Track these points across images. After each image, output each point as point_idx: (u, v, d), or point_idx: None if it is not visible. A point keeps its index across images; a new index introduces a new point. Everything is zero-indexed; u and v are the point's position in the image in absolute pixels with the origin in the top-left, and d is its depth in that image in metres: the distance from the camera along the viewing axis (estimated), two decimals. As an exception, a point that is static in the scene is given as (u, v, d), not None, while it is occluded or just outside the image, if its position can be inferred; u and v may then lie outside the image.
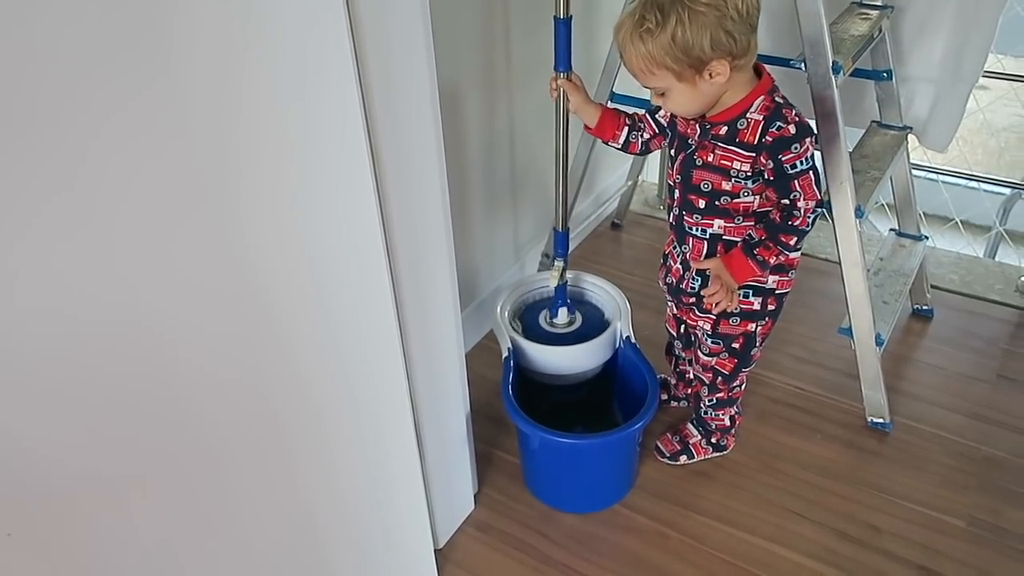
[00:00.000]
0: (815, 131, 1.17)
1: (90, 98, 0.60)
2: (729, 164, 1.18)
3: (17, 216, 0.58)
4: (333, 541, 1.08)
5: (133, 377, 0.71)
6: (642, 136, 1.34)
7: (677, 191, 1.27)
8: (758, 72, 1.17)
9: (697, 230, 1.27)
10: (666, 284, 1.42)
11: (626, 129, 1.33)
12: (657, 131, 1.33)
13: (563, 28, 1.24)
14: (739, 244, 1.24)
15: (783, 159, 1.14)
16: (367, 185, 0.90)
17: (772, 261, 1.22)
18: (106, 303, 0.67)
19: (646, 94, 1.70)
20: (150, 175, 0.66)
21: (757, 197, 1.20)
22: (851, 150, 1.46)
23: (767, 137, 1.14)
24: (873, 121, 1.73)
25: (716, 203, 1.22)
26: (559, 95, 1.30)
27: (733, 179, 1.18)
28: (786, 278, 1.31)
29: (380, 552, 1.20)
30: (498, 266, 1.92)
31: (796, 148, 1.13)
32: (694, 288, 1.33)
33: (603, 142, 1.36)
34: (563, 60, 1.27)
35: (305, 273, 0.87)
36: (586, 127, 1.35)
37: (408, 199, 0.99)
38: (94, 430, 0.70)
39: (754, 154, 1.15)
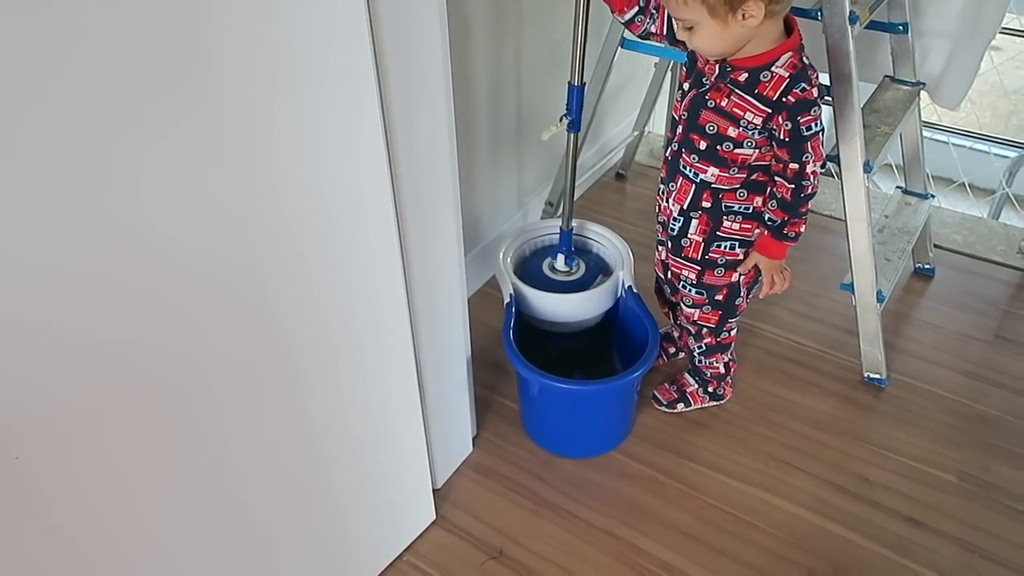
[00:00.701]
0: (822, 93, 1.17)
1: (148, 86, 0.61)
2: (741, 114, 1.16)
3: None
4: (337, 475, 1.10)
5: (143, 307, 0.72)
6: (648, 26, 1.27)
7: (680, 127, 1.26)
8: (788, 29, 1.14)
9: (690, 171, 1.26)
10: (659, 223, 1.41)
11: (636, 8, 1.25)
12: (666, 33, 1.26)
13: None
14: (764, 232, 1.26)
15: (802, 121, 1.13)
16: (375, 127, 0.89)
17: (802, 231, 1.26)
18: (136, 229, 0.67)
19: (653, 42, 1.65)
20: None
21: (757, 150, 1.20)
22: (863, 104, 1.44)
23: (789, 97, 1.12)
24: (886, 76, 1.70)
25: (717, 148, 1.21)
26: None
27: (741, 128, 1.17)
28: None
29: (381, 488, 1.21)
30: (501, 213, 1.91)
31: (815, 111, 1.13)
32: (674, 229, 1.33)
33: (611, 11, 1.29)
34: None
35: (313, 212, 0.86)
36: None
37: (415, 142, 0.98)
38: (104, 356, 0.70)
39: (770, 110, 1.14)
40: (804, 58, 1.14)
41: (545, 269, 1.53)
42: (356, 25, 0.81)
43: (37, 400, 0.67)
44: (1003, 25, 1.66)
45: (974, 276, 1.94)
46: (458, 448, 1.46)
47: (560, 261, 1.52)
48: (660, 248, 1.43)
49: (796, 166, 1.16)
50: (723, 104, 1.17)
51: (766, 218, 1.25)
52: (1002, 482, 1.44)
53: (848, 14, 1.28)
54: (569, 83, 1.37)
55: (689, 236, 1.32)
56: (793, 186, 1.18)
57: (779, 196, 1.21)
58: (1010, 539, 1.35)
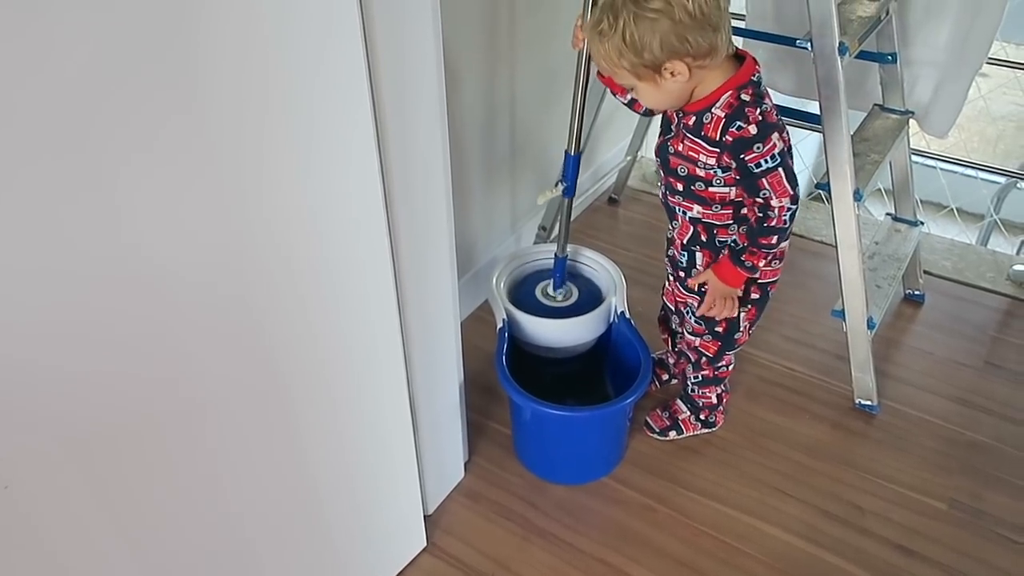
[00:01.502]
0: (781, 127, 1.16)
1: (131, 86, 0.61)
2: (696, 156, 1.19)
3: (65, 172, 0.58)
4: (328, 501, 1.09)
5: (131, 336, 0.72)
6: None
7: (661, 171, 1.29)
8: (743, 59, 1.15)
9: (679, 210, 1.29)
10: (668, 256, 1.42)
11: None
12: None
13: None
14: (726, 252, 1.26)
15: (746, 159, 1.13)
16: (369, 151, 0.89)
17: (760, 264, 1.24)
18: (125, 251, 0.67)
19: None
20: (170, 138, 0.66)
21: (732, 187, 1.21)
22: (852, 133, 1.46)
23: (727, 136, 1.13)
24: (875, 104, 1.72)
25: (692, 188, 1.23)
26: (583, 45, 1.27)
27: (703, 169, 1.19)
28: (770, 267, 1.31)
29: (372, 514, 1.21)
30: (495, 237, 1.92)
31: (759, 147, 1.12)
32: (681, 262, 1.35)
33: (612, 94, 1.34)
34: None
35: (306, 236, 0.86)
36: (598, 74, 1.30)
37: (409, 166, 0.99)
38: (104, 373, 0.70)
39: (718, 150, 1.16)
40: (744, 95, 1.12)
41: (538, 294, 1.54)
42: (351, 47, 0.81)
43: (26, 426, 0.67)
44: (990, 54, 1.68)
45: (963, 302, 1.95)
46: (450, 473, 1.45)
47: (553, 287, 1.53)
48: (670, 278, 1.44)
49: (760, 200, 1.16)
50: (680, 148, 1.20)
51: (731, 240, 1.26)
52: (993, 510, 1.44)
53: (837, 44, 1.30)
54: (565, 151, 1.41)
55: (694, 270, 1.34)
56: (760, 215, 1.18)
57: (748, 220, 1.22)
58: (1000, 567, 1.35)
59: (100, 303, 0.68)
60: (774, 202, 1.15)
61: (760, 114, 1.12)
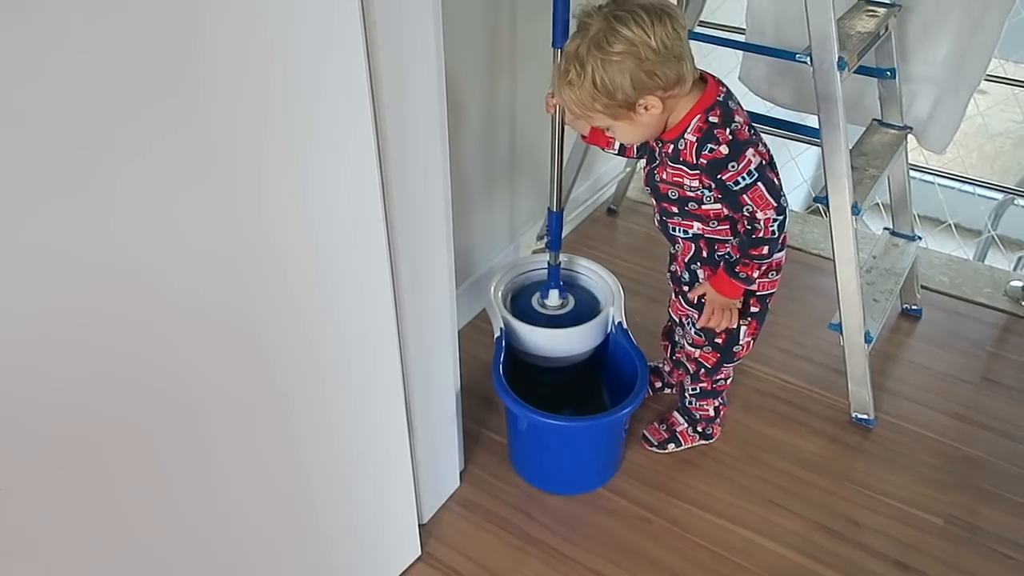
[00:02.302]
0: (755, 141, 1.16)
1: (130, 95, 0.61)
2: (681, 180, 1.20)
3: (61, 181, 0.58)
4: (323, 509, 1.09)
5: (126, 343, 0.71)
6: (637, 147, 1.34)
7: (653, 199, 1.30)
8: (707, 81, 1.17)
9: (680, 231, 1.30)
10: (670, 272, 1.43)
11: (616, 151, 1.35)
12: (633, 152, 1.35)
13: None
14: (722, 265, 1.27)
15: (723, 178, 1.15)
16: (369, 159, 0.90)
17: (755, 275, 1.24)
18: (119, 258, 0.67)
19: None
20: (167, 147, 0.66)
21: (722, 205, 1.22)
22: (851, 147, 1.47)
23: (701, 159, 1.15)
24: (874, 119, 1.73)
25: (687, 208, 1.24)
26: (556, 111, 1.32)
27: (690, 190, 1.21)
28: (767, 279, 1.32)
29: (367, 523, 1.20)
30: (493, 246, 1.92)
31: (733, 166, 1.14)
32: (684, 279, 1.36)
33: (602, 149, 1.37)
34: (560, 36, 1.25)
35: (304, 244, 0.86)
36: (582, 136, 1.37)
37: (410, 175, 0.99)
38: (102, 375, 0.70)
39: (698, 172, 1.18)
40: (711, 117, 1.14)
41: (535, 303, 1.54)
42: (352, 56, 0.82)
43: (18, 430, 0.66)
44: (988, 71, 1.69)
45: (961, 317, 1.95)
46: (445, 483, 1.45)
47: (550, 296, 1.53)
48: (674, 293, 1.45)
49: (745, 214, 1.18)
50: (665, 176, 1.22)
51: (725, 253, 1.27)
52: (988, 525, 1.44)
53: (837, 59, 1.31)
54: (548, 208, 1.46)
55: (698, 284, 1.35)
56: (749, 228, 1.20)
57: (740, 232, 1.23)
58: (997, 583, 1.35)
59: (94, 308, 0.67)
60: (759, 215, 1.16)
61: (730, 133, 1.14)
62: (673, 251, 1.38)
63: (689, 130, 1.15)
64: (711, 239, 1.28)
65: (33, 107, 0.57)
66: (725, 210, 1.22)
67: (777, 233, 1.19)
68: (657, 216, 1.33)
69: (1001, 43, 1.63)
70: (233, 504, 0.93)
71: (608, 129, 1.19)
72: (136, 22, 0.61)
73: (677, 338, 1.56)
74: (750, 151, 1.14)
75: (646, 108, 1.11)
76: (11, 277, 0.60)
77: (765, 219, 1.16)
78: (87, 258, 0.65)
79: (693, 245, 1.30)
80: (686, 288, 1.37)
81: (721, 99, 1.16)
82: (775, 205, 1.16)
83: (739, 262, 1.23)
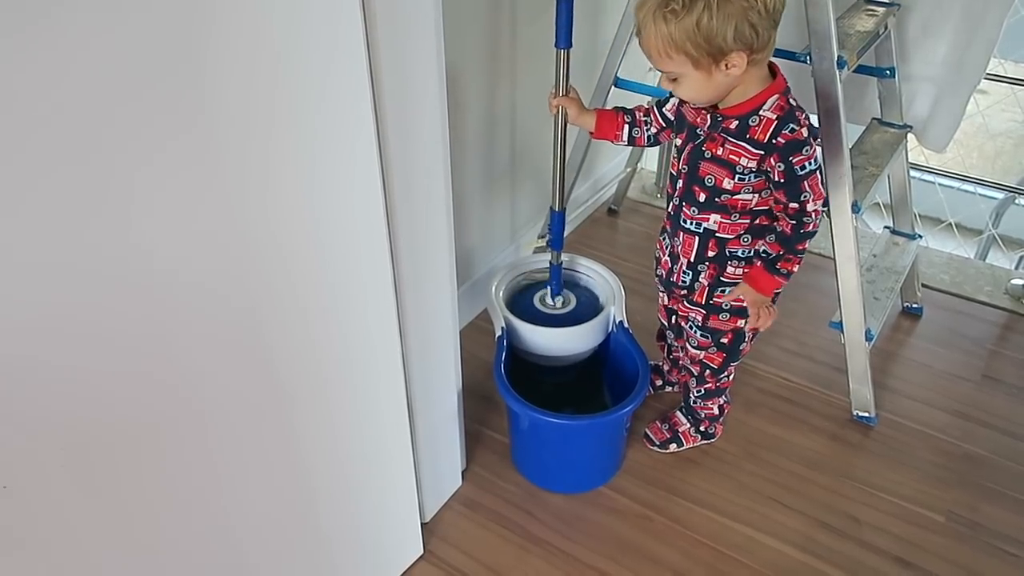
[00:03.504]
0: (816, 132, 1.18)
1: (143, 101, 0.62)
2: (737, 159, 1.17)
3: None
4: (325, 508, 1.09)
5: (132, 339, 0.72)
6: (648, 130, 1.34)
7: (680, 181, 1.27)
8: (772, 71, 1.17)
9: (691, 224, 1.27)
10: (657, 276, 1.43)
11: (626, 127, 1.34)
12: (664, 125, 1.33)
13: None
14: (757, 263, 1.25)
15: (794, 161, 1.14)
16: (371, 160, 0.90)
17: (795, 269, 1.24)
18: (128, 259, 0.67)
19: (650, 79, 1.70)
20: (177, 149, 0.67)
21: (756, 195, 1.21)
22: (851, 146, 1.47)
23: (779, 138, 1.13)
24: (874, 118, 1.74)
25: (716, 199, 1.22)
26: (558, 111, 1.32)
27: (737, 175, 1.18)
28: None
29: (369, 522, 1.21)
30: (494, 247, 1.92)
31: (807, 150, 1.14)
32: (685, 281, 1.34)
33: (611, 142, 1.36)
34: (564, 37, 1.26)
35: (307, 244, 0.87)
36: (590, 132, 1.36)
37: (411, 177, 0.99)
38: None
39: (762, 152, 1.15)
40: (791, 100, 1.15)
41: (536, 303, 1.54)
42: (354, 60, 0.82)
43: (26, 426, 0.67)
44: (988, 71, 1.69)
45: (961, 316, 1.95)
46: (447, 482, 1.45)
47: (552, 296, 1.53)
48: (662, 295, 1.44)
49: (796, 205, 1.17)
50: (719, 152, 1.19)
51: (761, 250, 1.24)
52: (990, 523, 1.44)
53: (836, 58, 1.31)
54: (551, 207, 1.45)
55: (697, 283, 1.33)
56: (794, 222, 1.19)
57: (779, 230, 1.21)
58: (998, 580, 1.35)
59: (103, 306, 0.68)
60: (810, 206, 1.17)
61: (806, 118, 1.15)
62: (671, 245, 1.35)
63: (768, 107, 1.13)
64: (721, 238, 1.26)
65: (53, 114, 0.58)
66: (753, 203, 1.21)
67: (818, 226, 1.20)
68: (675, 200, 1.29)
69: (1001, 42, 1.63)
70: (236, 504, 0.94)
71: (675, 80, 1.13)
72: (147, 31, 0.62)
73: (670, 341, 1.57)
74: (815, 140, 1.15)
75: (728, 66, 1.07)
76: (26, 276, 0.61)
77: (814, 210, 1.17)
78: (99, 258, 0.66)
79: (697, 242, 1.27)
80: (684, 292, 1.35)
81: (788, 87, 1.16)
82: (824, 195, 1.18)
83: (782, 258, 1.22)
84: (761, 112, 1.14)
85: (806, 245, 1.21)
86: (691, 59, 1.07)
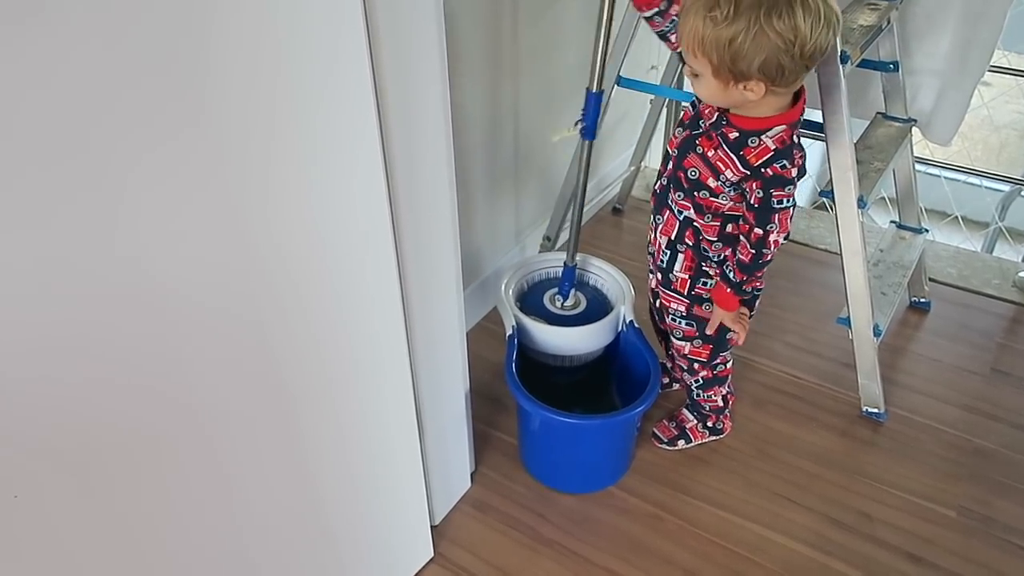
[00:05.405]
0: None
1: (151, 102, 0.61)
2: (722, 168, 1.18)
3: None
4: (334, 511, 1.09)
5: (136, 350, 0.72)
6: (666, 29, 1.26)
7: (671, 162, 1.27)
8: (796, 95, 1.15)
9: (675, 207, 1.29)
10: (649, 253, 1.42)
11: (656, 9, 1.24)
12: (676, 43, 1.24)
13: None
14: (719, 283, 1.29)
15: (773, 193, 1.15)
16: (375, 162, 0.90)
17: (760, 285, 1.31)
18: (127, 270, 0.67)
19: (651, 78, 1.70)
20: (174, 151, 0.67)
21: (732, 203, 1.22)
22: (856, 141, 1.46)
23: (768, 169, 1.14)
24: (878, 112, 1.73)
25: (695, 194, 1.23)
26: None
27: (719, 181, 1.19)
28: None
29: (378, 525, 1.21)
30: (499, 248, 1.92)
31: (788, 188, 1.15)
32: (662, 262, 1.35)
33: (635, 8, 1.28)
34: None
35: (311, 247, 0.87)
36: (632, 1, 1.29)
37: (415, 177, 0.99)
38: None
39: (748, 173, 1.16)
40: (795, 136, 1.15)
41: (546, 302, 1.54)
42: (357, 61, 0.82)
43: (35, 437, 0.67)
44: (992, 63, 1.69)
45: (969, 310, 1.95)
46: (456, 484, 1.45)
47: (562, 295, 1.53)
48: (651, 276, 1.44)
49: (760, 232, 1.18)
50: (709, 153, 1.19)
51: (729, 275, 1.27)
52: (1001, 517, 1.44)
53: (840, 53, 1.31)
54: (587, 89, 1.35)
55: (675, 272, 1.34)
56: (754, 252, 1.20)
57: (739, 257, 1.23)
58: (1009, 575, 1.34)
59: (104, 316, 0.68)
60: (772, 236, 1.18)
61: (801, 157, 1.16)
62: (656, 221, 1.35)
63: (770, 135, 1.13)
64: (698, 228, 1.27)
65: (42, 111, 0.57)
66: (726, 207, 1.22)
67: (776, 255, 1.22)
68: (663, 180, 1.30)
69: (1004, 34, 1.63)
70: (244, 508, 0.94)
71: (696, 76, 1.12)
72: (146, 27, 0.61)
73: (658, 323, 1.55)
74: (800, 179, 1.17)
75: (745, 87, 1.07)
76: (21, 284, 0.61)
77: (775, 241, 1.19)
78: (97, 264, 0.65)
79: (678, 224, 1.29)
80: (662, 272, 1.37)
81: (800, 119, 1.16)
82: (789, 229, 1.19)
83: (746, 281, 1.25)
84: (763, 136, 1.14)
85: (764, 272, 1.25)
86: (713, 67, 1.07)
